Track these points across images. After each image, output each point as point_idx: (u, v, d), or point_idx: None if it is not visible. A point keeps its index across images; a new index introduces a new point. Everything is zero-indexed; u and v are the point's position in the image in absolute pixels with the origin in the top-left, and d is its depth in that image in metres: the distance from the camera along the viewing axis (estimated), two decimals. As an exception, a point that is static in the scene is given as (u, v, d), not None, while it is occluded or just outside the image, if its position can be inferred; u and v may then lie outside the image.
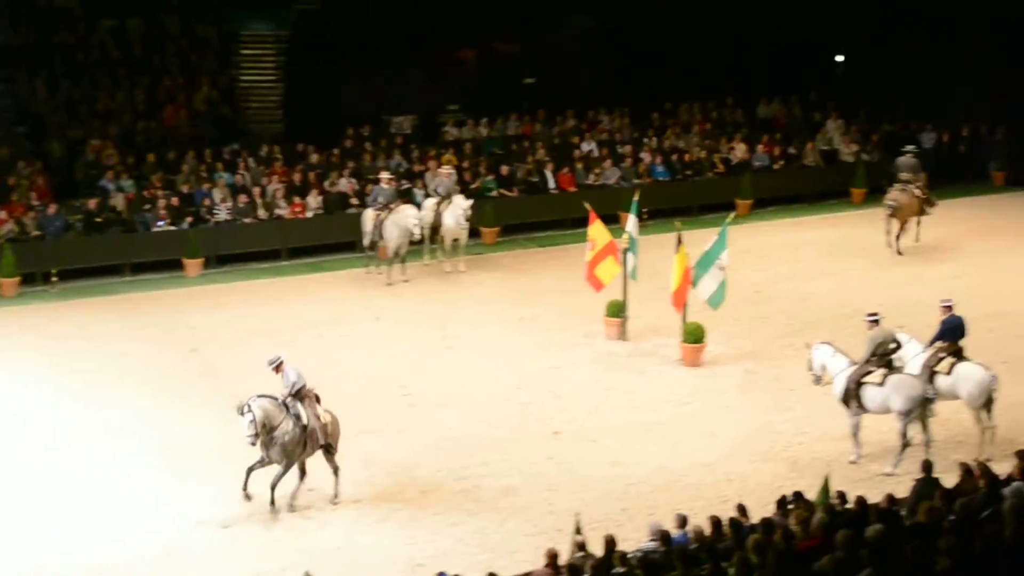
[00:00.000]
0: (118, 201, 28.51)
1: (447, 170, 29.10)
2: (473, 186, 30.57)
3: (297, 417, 16.46)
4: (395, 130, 33.93)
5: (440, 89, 35.27)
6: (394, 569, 14.58)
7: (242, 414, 16.23)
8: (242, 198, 28.97)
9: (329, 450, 16.82)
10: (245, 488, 16.47)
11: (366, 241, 27.45)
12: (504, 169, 31.88)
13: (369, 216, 27.31)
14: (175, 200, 28.50)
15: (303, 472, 16.77)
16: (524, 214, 31.29)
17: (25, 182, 28.36)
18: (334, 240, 29.01)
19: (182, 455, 18.07)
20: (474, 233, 28.78)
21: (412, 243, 27.09)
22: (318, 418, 16.69)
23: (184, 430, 18.91)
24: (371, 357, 22.23)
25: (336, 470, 16.83)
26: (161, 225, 28.00)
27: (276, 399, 16.56)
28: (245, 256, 28.38)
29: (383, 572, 14.68)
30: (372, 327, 23.94)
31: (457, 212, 27.35)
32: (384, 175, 28.17)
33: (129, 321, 24.18)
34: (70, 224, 27.82)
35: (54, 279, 26.13)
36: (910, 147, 30.52)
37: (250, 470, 16.47)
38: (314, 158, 31.21)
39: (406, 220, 26.56)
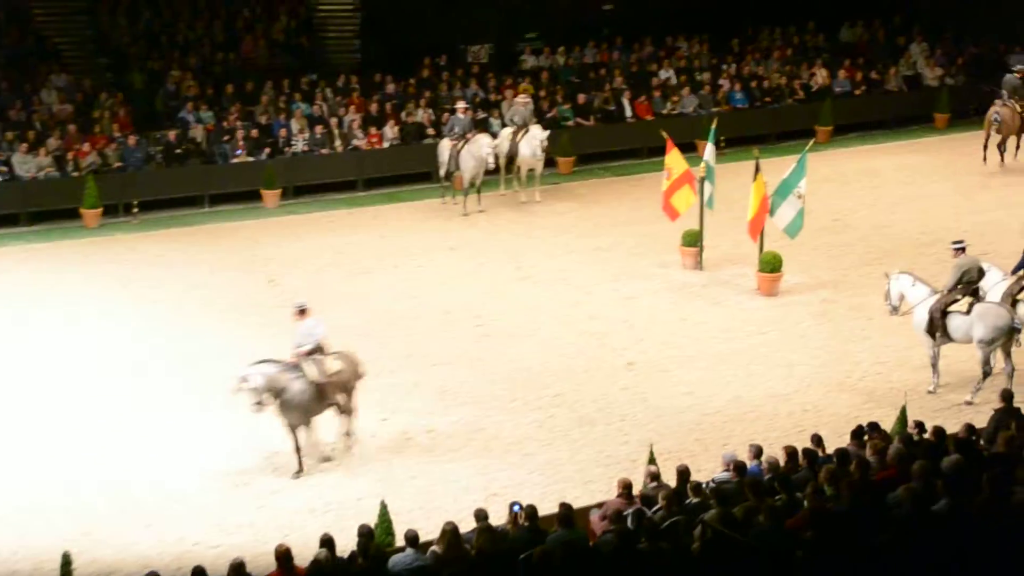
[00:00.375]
0: (197, 132, 28.72)
1: (524, 99, 28.92)
2: (549, 115, 30.42)
3: (304, 376, 15.84)
4: (472, 59, 33.74)
5: (518, 17, 34.96)
6: (468, 499, 14.64)
7: (240, 387, 15.63)
8: (319, 129, 29.07)
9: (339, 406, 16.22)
10: (300, 469, 15.81)
11: (442, 171, 27.46)
12: (581, 98, 31.66)
13: (445, 146, 27.31)
14: (253, 131, 28.69)
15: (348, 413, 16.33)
16: (600, 143, 31.13)
17: (107, 114, 28.66)
18: (410, 171, 29.05)
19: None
20: (550, 163, 28.67)
21: (488, 173, 27.03)
22: (326, 374, 16.01)
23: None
24: (446, 287, 22.31)
25: (350, 413, 16.28)
26: (239, 156, 28.20)
27: (279, 362, 15.86)
28: (322, 187, 28.51)
29: (457, 502, 14.75)
30: (447, 257, 24.01)
31: (533, 142, 27.23)
32: (460, 105, 28.09)
33: (208, 252, 24.45)
34: (151, 155, 28.11)
35: (135, 210, 26.43)
36: (1018, 67, 29.93)
37: (298, 449, 15.87)
38: (391, 88, 31.17)
39: (481, 150, 26.50)
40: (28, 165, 26.53)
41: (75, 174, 26.70)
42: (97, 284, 22.56)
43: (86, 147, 27.31)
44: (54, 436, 16.77)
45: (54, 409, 17.57)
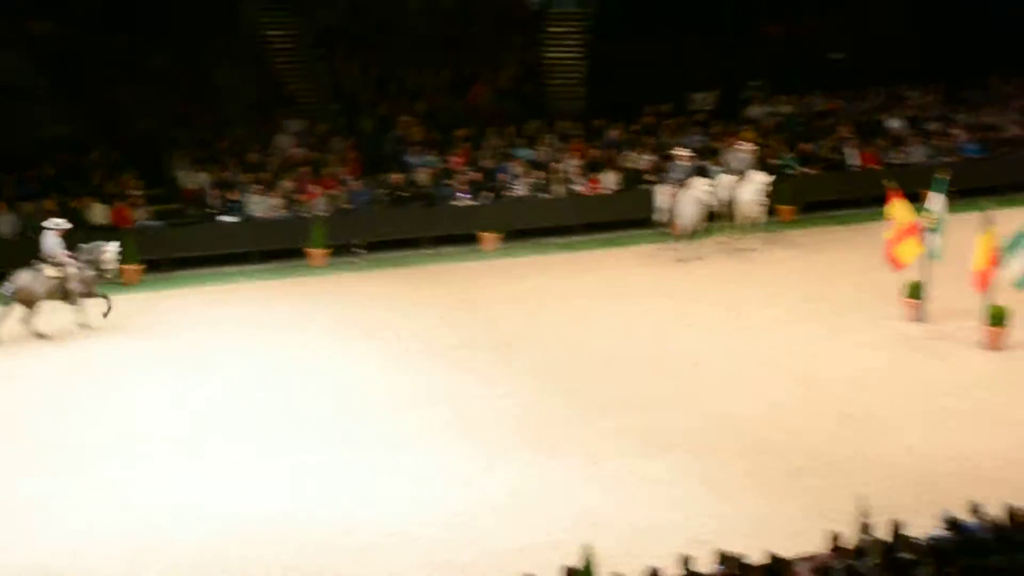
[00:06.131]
0: (422, 176, 29.40)
1: (746, 147, 28.71)
2: (772, 163, 30.09)
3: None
4: (696, 106, 33.69)
5: (744, 65, 34.78)
6: (673, 546, 14.45)
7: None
8: (539, 174, 29.40)
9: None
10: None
11: (660, 217, 27.44)
12: (805, 146, 31.26)
13: (664, 192, 27.30)
14: (476, 175, 29.22)
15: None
16: (824, 192, 30.65)
17: (335, 157, 29.59)
18: (628, 216, 29.10)
19: (472, 425, 18.46)
20: (770, 211, 28.35)
21: (707, 219, 26.87)
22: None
23: (475, 400, 19.32)
24: (661, 333, 22.21)
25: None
26: (461, 199, 28.74)
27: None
28: (540, 231, 28.81)
29: (662, 548, 14.59)
30: (663, 303, 23.89)
31: (754, 188, 26.98)
32: (681, 151, 28.03)
33: (426, 293, 24.90)
34: (376, 198, 28.89)
35: (360, 250, 27.16)
36: None
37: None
38: (613, 134, 31.34)
39: (698, 193, 26.36)
40: (261, 206, 27.58)
41: (304, 215, 27.63)
42: (321, 321, 23.20)
43: (315, 190, 28.25)
44: (274, 468, 17.22)
45: (273, 441, 18.05)
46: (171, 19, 32.46)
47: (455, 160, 29.84)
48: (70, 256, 22.73)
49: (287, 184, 28.32)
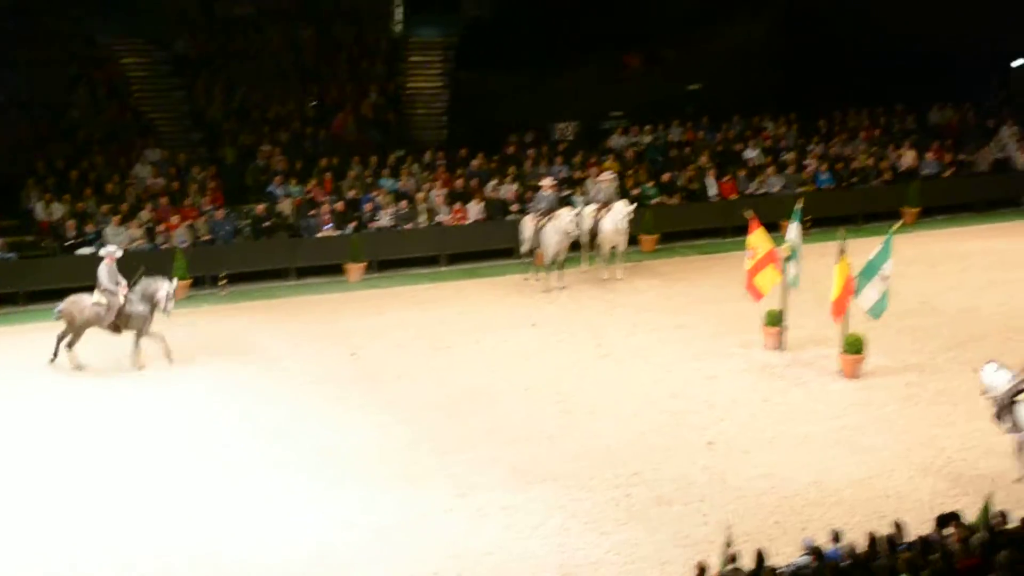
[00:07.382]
0: (285, 206, 29.17)
1: (608, 176, 29.02)
2: (634, 193, 30.50)
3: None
4: (558, 136, 34.03)
5: (605, 95, 35.25)
6: (543, 577, 14.62)
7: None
8: (404, 204, 29.38)
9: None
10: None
11: (524, 248, 27.62)
12: (665, 176, 31.76)
13: (528, 222, 27.49)
14: (340, 205, 29.09)
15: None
16: (684, 221, 31.14)
17: (196, 187, 29.21)
18: (493, 247, 29.25)
19: (337, 458, 18.35)
20: (633, 240, 28.71)
21: (570, 249, 27.12)
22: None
23: (340, 433, 19.21)
24: (526, 364, 22.30)
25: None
26: (326, 230, 28.58)
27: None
28: (406, 261, 28.81)
29: (533, 579, 14.72)
30: (528, 334, 24.03)
31: (616, 217, 27.29)
32: (546, 181, 28.21)
33: (291, 325, 24.70)
34: (239, 229, 28.58)
35: (223, 282, 26.85)
36: None
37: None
38: (476, 164, 31.47)
39: (563, 223, 26.57)
40: (120, 237, 27.04)
41: (165, 246, 27.19)
42: (183, 354, 22.82)
43: (175, 220, 27.81)
44: (138, 504, 16.90)
45: (136, 478, 17.73)
46: (25, 45, 31.82)
47: (318, 190, 29.67)
48: (122, 287, 22.13)
49: (146, 215, 27.86)
